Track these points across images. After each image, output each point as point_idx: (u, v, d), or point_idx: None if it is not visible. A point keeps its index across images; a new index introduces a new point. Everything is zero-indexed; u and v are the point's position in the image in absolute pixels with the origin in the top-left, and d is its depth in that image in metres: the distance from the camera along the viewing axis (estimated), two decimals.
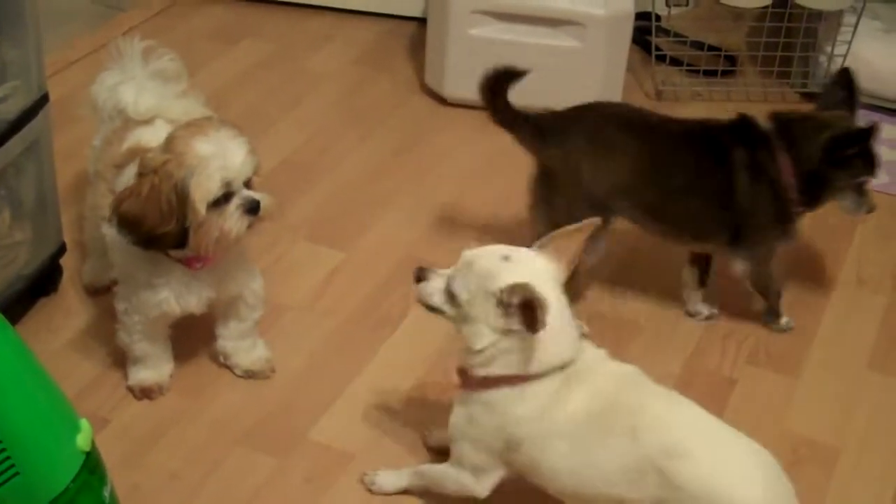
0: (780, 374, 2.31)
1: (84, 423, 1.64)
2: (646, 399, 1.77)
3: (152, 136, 2.04)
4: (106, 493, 1.69)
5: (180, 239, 1.89)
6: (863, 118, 2.30)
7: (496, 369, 1.77)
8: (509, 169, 2.86)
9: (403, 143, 2.94)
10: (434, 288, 1.80)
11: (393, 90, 3.15)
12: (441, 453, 1.98)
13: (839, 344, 2.40)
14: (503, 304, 1.70)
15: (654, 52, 3.22)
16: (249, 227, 1.92)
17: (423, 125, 3.02)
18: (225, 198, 1.89)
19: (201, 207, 1.86)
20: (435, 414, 2.10)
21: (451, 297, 1.77)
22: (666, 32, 3.29)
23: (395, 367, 2.26)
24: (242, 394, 2.19)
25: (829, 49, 3.06)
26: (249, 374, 2.21)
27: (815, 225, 2.44)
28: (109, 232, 2.04)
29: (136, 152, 2.01)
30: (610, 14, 2.90)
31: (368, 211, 2.68)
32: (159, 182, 1.85)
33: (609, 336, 2.26)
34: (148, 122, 2.12)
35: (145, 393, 2.15)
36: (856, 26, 2.99)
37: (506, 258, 1.75)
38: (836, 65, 3.04)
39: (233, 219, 1.90)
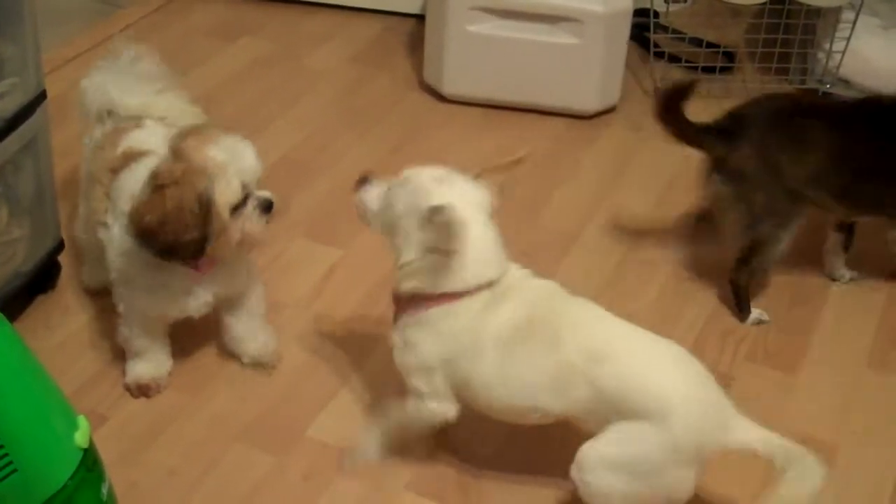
0: (779, 371, 2.31)
1: (82, 420, 1.64)
2: (565, 307, 1.87)
3: (146, 139, 2.08)
4: (104, 490, 1.69)
5: (200, 246, 1.92)
6: None
7: (423, 286, 1.85)
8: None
9: (402, 140, 2.94)
10: (375, 195, 1.91)
11: (391, 87, 3.15)
12: None
13: (838, 341, 2.39)
14: (427, 222, 1.79)
15: (652, 49, 3.21)
16: (267, 225, 1.98)
17: (422, 122, 3.02)
18: (242, 201, 1.94)
19: (225, 213, 1.91)
20: None
21: (386, 207, 1.88)
22: (664, 29, 3.29)
23: (393, 364, 2.25)
24: (241, 391, 2.19)
25: (827, 45, 3.06)
26: (255, 362, 2.21)
27: (814, 224, 2.43)
28: (106, 237, 2.05)
29: (131, 156, 2.05)
30: (608, 11, 2.90)
31: None
32: (181, 193, 1.87)
33: None
34: (139, 124, 2.13)
35: (142, 391, 2.15)
36: (854, 22, 2.98)
37: (440, 180, 1.85)
38: (835, 61, 3.05)
39: (252, 220, 1.96)
